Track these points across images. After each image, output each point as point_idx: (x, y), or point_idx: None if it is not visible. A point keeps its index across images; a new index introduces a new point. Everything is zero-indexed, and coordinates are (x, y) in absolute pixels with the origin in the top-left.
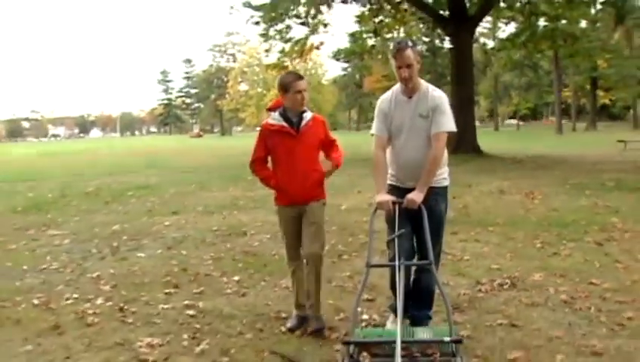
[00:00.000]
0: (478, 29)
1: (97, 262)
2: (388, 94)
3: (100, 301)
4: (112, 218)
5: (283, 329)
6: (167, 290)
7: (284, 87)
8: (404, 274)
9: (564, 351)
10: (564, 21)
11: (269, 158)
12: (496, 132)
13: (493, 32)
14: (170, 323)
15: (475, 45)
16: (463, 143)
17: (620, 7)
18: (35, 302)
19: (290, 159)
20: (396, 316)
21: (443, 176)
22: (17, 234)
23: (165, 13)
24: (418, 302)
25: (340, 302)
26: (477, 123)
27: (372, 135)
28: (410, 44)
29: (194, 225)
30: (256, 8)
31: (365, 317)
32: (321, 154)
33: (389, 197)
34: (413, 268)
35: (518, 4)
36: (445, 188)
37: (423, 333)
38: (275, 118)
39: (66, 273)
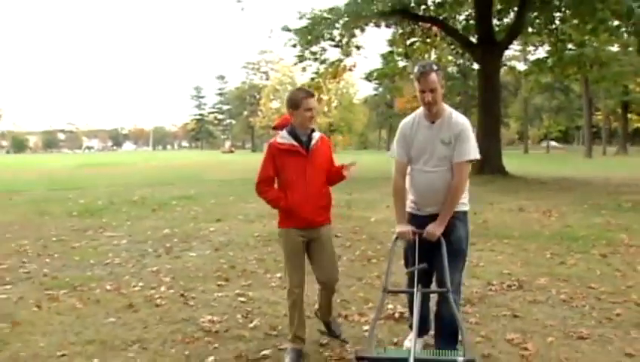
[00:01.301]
0: (510, 52)
1: (154, 259)
2: (410, 118)
3: (163, 288)
4: (162, 223)
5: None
6: (219, 283)
7: (294, 104)
8: (420, 301)
9: (555, 335)
10: (595, 44)
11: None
12: (526, 154)
13: (524, 54)
14: (225, 306)
15: (505, 68)
16: (489, 165)
17: None
18: (108, 287)
19: (301, 180)
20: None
21: (462, 201)
22: (77, 234)
23: (199, 30)
24: (443, 336)
25: (368, 295)
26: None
27: (391, 157)
28: (434, 67)
29: (237, 231)
30: (294, 32)
31: (390, 306)
32: None
33: (410, 228)
34: (433, 301)
35: (546, 30)
36: (465, 213)
37: (436, 353)
38: (284, 137)
39: (129, 267)
